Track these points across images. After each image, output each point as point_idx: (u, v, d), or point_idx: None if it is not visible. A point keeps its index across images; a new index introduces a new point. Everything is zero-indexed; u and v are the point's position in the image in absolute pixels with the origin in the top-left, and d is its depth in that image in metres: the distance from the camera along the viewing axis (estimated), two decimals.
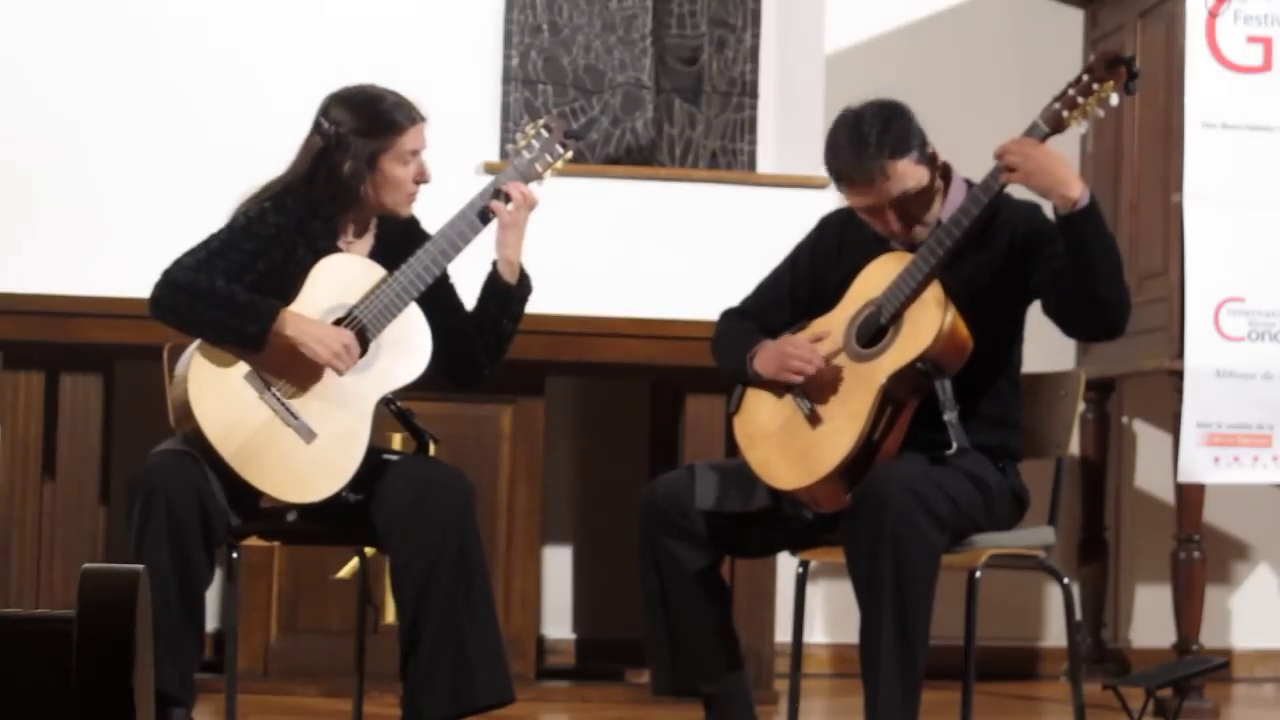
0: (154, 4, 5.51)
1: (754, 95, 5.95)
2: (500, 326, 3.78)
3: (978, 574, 3.62)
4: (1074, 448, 5.60)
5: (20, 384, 4.81)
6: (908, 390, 3.57)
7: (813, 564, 3.92)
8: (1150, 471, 5.83)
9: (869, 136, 3.56)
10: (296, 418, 3.58)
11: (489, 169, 5.28)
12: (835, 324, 3.68)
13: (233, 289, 3.56)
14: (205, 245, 3.62)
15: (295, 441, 3.57)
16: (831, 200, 5.42)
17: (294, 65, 5.47)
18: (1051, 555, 3.78)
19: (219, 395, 3.55)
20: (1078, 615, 4.43)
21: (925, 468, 3.51)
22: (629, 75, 5.86)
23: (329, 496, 3.58)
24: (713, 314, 3.94)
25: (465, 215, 3.72)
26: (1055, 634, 5.78)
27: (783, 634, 4.92)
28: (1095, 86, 3.53)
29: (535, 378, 4.97)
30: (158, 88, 5.48)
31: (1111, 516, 5.82)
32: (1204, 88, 4.95)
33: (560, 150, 3.81)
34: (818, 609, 5.65)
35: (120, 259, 5.14)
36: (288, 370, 3.59)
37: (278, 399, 3.58)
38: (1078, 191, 3.47)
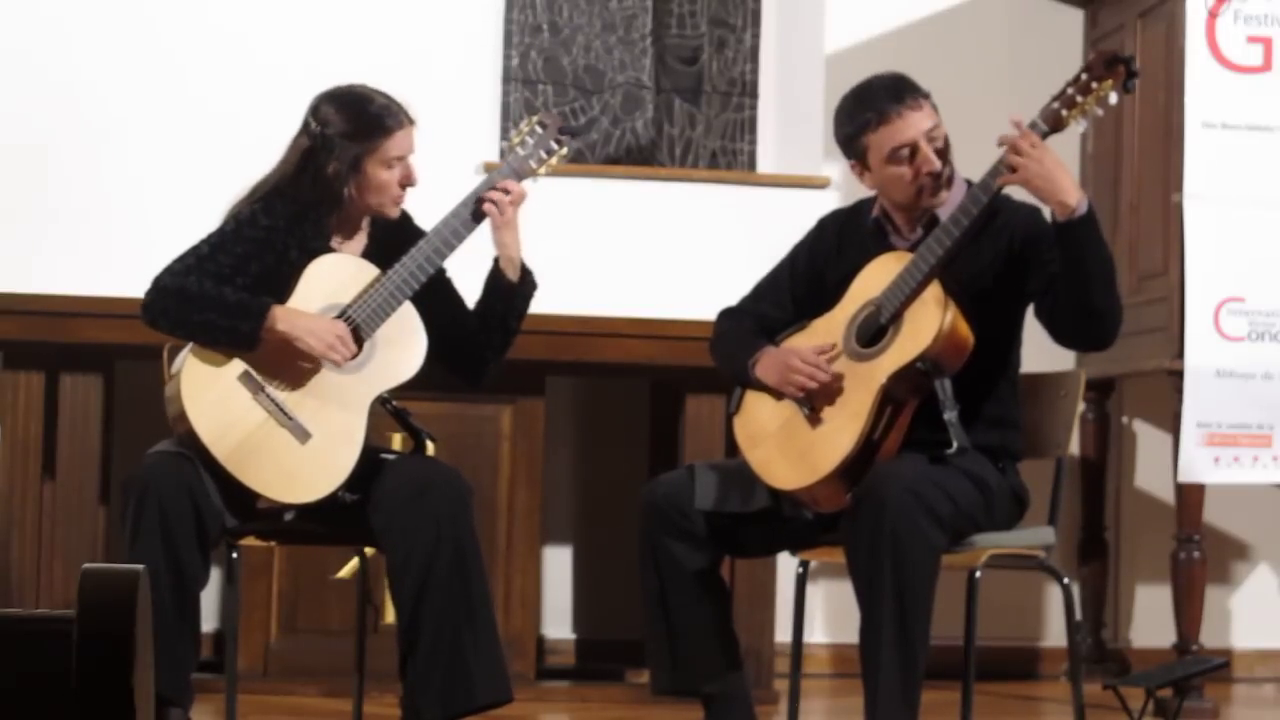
0: (159, 3, 5.51)
1: (754, 95, 5.95)
2: (506, 324, 3.78)
3: (978, 574, 3.62)
4: (1074, 448, 5.60)
5: (20, 384, 4.81)
6: (908, 390, 3.57)
7: (813, 564, 3.92)
8: (1150, 471, 5.83)
9: (900, 76, 3.65)
10: (291, 418, 3.58)
11: (488, 169, 5.27)
12: (835, 324, 3.68)
13: (222, 290, 3.55)
14: (194, 250, 3.63)
15: (290, 441, 3.57)
16: (832, 200, 5.43)
17: (295, 65, 5.46)
18: (1051, 555, 3.78)
19: (213, 396, 3.55)
20: (1078, 615, 4.43)
21: (925, 468, 3.50)
22: (629, 75, 5.86)
23: (325, 496, 3.58)
24: (712, 314, 3.94)
25: (458, 214, 3.71)
26: (1055, 634, 5.78)
27: (783, 634, 4.91)
28: (1094, 85, 3.53)
29: (535, 378, 4.97)
30: (159, 87, 5.48)
31: (1111, 516, 5.82)
32: (1204, 88, 4.95)
33: (555, 147, 3.80)
34: (818, 609, 5.65)
35: (120, 259, 5.14)
36: (282, 369, 3.59)
37: (272, 399, 3.58)
38: (1075, 199, 3.48)
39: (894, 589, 3.42)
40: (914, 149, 3.59)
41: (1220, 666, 4.23)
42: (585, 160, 5.75)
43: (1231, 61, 4.97)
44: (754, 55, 5.96)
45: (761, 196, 5.75)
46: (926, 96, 3.64)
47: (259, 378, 3.59)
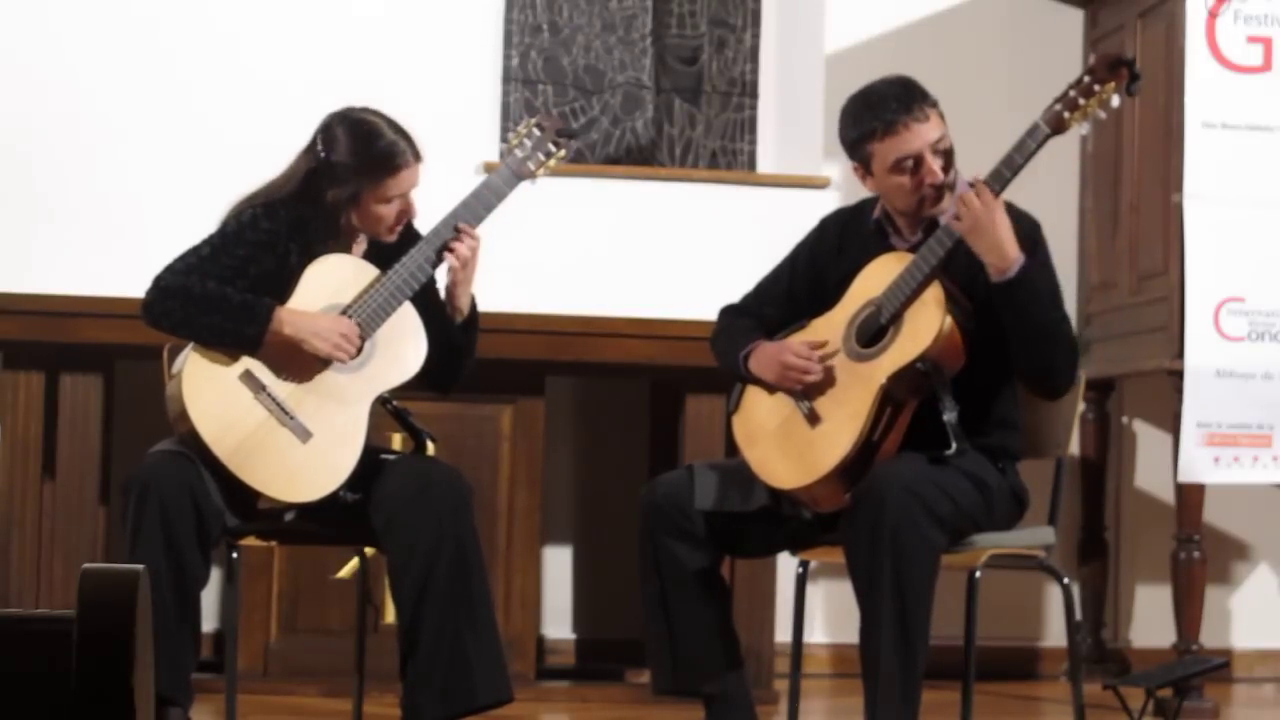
0: (156, 4, 5.51)
1: (754, 95, 5.95)
2: (464, 356, 3.77)
3: (978, 574, 3.62)
4: (1074, 448, 5.60)
5: (20, 384, 4.81)
6: (907, 390, 3.57)
7: (813, 564, 3.92)
8: (1150, 471, 5.83)
9: (909, 84, 3.62)
10: (292, 417, 3.58)
11: (488, 169, 5.27)
12: (835, 324, 3.68)
13: (225, 291, 3.56)
14: (195, 251, 3.63)
15: (291, 441, 3.57)
16: (832, 200, 5.43)
17: (295, 65, 5.47)
18: (1051, 555, 3.78)
19: (214, 395, 3.55)
20: (1078, 615, 4.44)
21: (925, 468, 3.50)
22: (629, 75, 5.86)
23: (326, 496, 3.58)
24: (712, 314, 3.94)
25: (459, 214, 3.71)
26: (1055, 634, 5.78)
27: (783, 634, 4.92)
28: (1096, 88, 3.53)
29: (535, 378, 4.97)
30: (159, 87, 5.48)
31: (1111, 516, 5.82)
32: (1204, 88, 4.95)
33: (554, 149, 3.80)
34: (818, 609, 5.65)
35: (121, 259, 5.14)
36: (284, 368, 3.59)
37: (273, 398, 3.58)
38: (1008, 261, 3.50)
39: (894, 589, 3.42)
40: (918, 160, 3.59)
41: (1220, 666, 4.23)
42: (585, 160, 5.75)
43: (1231, 61, 4.97)
44: (754, 55, 5.96)
45: (761, 196, 5.75)
46: (934, 105, 3.63)
47: (260, 377, 3.59)
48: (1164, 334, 5.03)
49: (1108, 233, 5.57)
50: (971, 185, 3.54)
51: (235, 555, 3.73)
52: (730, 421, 3.79)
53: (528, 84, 5.80)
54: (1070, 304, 3.77)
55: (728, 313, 3.90)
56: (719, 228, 5.69)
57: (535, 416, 4.97)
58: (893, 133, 3.58)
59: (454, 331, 3.73)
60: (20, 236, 5.37)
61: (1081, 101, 3.54)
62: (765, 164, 5.93)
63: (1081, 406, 3.93)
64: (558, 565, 5.59)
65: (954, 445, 3.52)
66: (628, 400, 5.56)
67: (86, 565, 1.66)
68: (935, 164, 3.59)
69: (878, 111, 3.61)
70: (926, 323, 3.55)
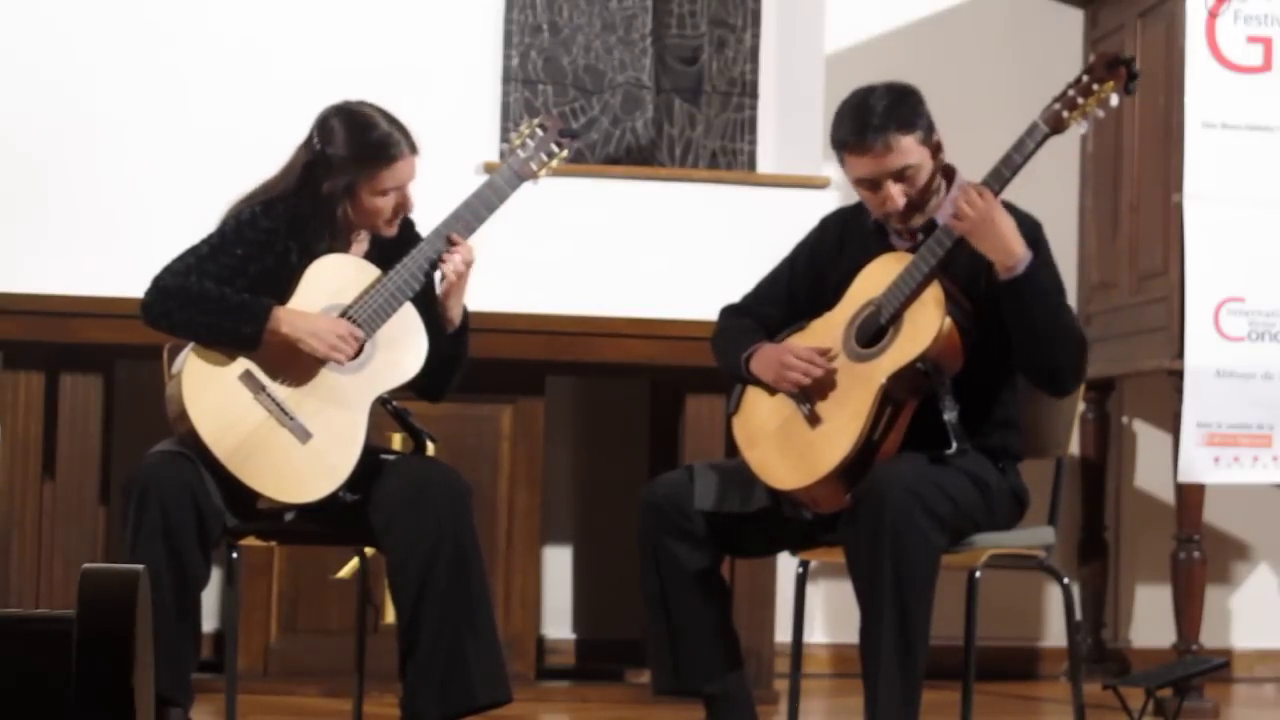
0: (157, 3, 5.51)
1: (754, 95, 5.95)
2: (455, 365, 3.77)
3: (978, 574, 3.62)
4: (1074, 448, 5.60)
5: (20, 384, 4.81)
6: (907, 390, 3.57)
7: (813, 564, 3.92)
8: (1150, 471, 5.83)
9: (876, 107, 3.58)
10: (292, 418, 3.58)
11: (489, 169, 5.28)
12: (834, 324, 3.68)
13: (224, 291, 3.56)
14: (195, 251, 3.63)
15: (291, 441, 3.57)
16: (832, 200, 5.43)
17: (296, 65, 5.47)
18: (1051, 555, 3.78)
19: (214, 396, 3.55)
20: (1078, 615, 4.44)
21: (925, 468, 3.50)
22: (629, 75, 5.86)
23: (326, 496, 3.58)
24: (712, 314, 3.94)
25: (460, 215, 3.71)
26: (1055, 634, 5.78)
27: (783, 634, 4.92)
28: (1095, 87, 3.53)
29: (535, 378, 4.97)
30: (160, 86, 5.48)
31: (1111, 516, 5.82)
32: (1204, 88, 4.95)
33: (556, 149, 3.80)
34: (818, 609, 5.65)
35: (121, 259, 5.14)
36: (283, 368, 3.59)
37: (273, 399, 3.58)
38: (1015, 258, 3.50)
39: (894, 589, 3.42)
40: (874, 183, 3.60)
41: (1220, 666, 4.23)
42: (585, 160, 5.75)
43: (1231, 61, 4.97)
44: (754, 55, 5.96)
45: (761, 196, 5.75)
46: (906, 129, 3.56)
47: (260, 377, 3.59)
48: (1164, 334, 5.03)
49: (1108, 233, 5.57)
50: (964, 189, 3.54)
51: (235, 555, 3.73)
52: (730, 423, 3.79)
53: (528, 84, 5.80)
54: (1070, 304, 3.77)
55: (728, 313, 3.90)
56: (719, 228, 5.69)
57: (535, 416, 4.97)
58: (847, 154, 3.62)
59: (444, 341, 3.72)
60: (20, 236, 5.37)
61: (1080, 101, 3.54)
62: (765, 164, 5.94)
63: (1081, 406, 3.93)
64: (558, 565, 5.59)
65: (954, 445, 3.52)
66: (628, 400, 5.56)
67: (86, 565, 1.66)
68: (894, 190, 3.58)
69: (836, 129, 3.63)
70: (926, 323, 3.55)
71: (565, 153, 3.83)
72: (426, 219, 3.76)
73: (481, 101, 5.72)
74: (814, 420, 3.63)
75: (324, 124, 3.67)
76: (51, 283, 5.08)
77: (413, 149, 3.66)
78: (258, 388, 3.58)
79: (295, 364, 3.59)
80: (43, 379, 4.81)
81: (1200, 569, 4.97)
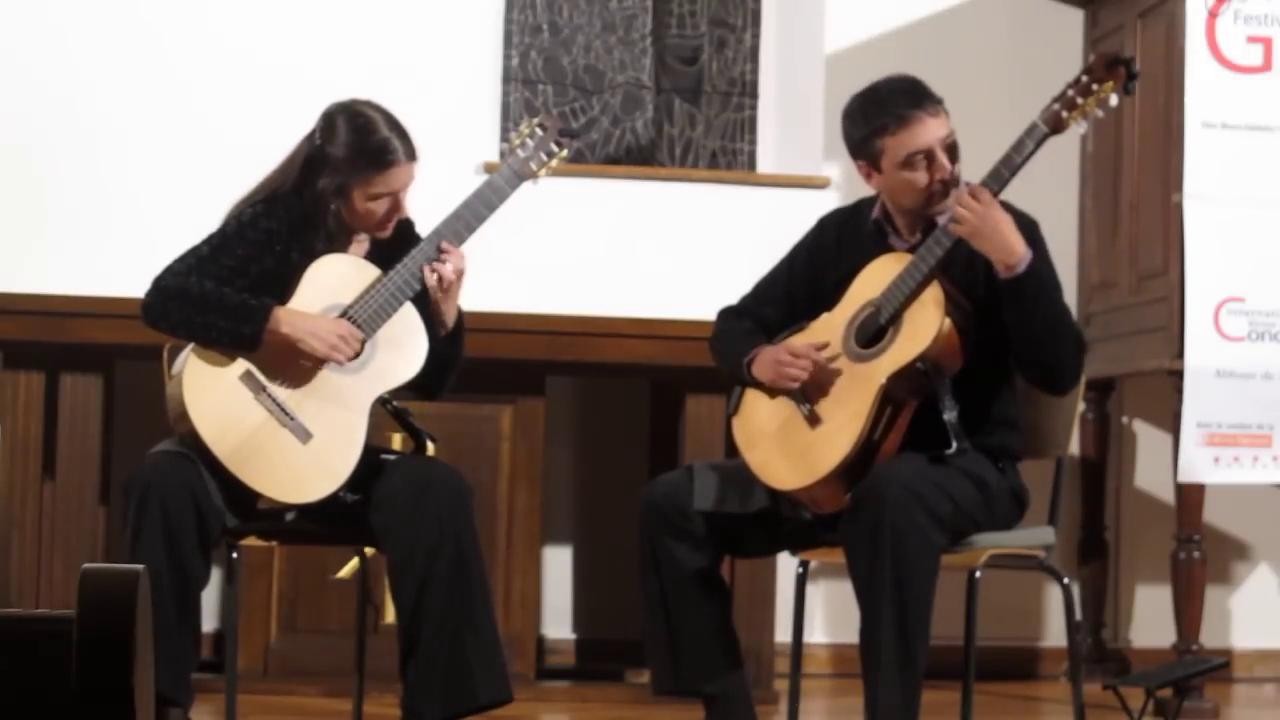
0: (157, 3, 5.51)
1: (754, 95, 5.95)
2: (450, 366, 3.76)
3: (978, 574, 3.62)
4: (1074, 448, 5.60)
5: (20, 384, 4.81)
6: (907, 390, 3.57)
7: (813, 564, 3.92)
8: (1150, 471, 5.83)
9: (917, 81, 3.63)
10: (293, 418, 3.58)
11: (489, 169, 5.28)
12: (834, 325, 3.68)
13: (223, 291, 3.56)
14: (195, 251, 3.63)
15: (291, 442, 3.57)
16: (832, 200, 5.43)
17: (296, 65, 5.47)
18: (1051, 555, 3.78)
19: (215, 396, 3.55)
20: (1078, 615, 4.43)
21: (925, 468, 3.51)
22: (629, 75, 5.86)
23: (326, 497, 3.58)
24: (712, 314, 3.94)
25: (460, 215, 3.70)
26: (1055, 634, 5.78)
27: (783, 634, 4.91)
28: (1095, 87, 3.53)
29: (535, 378, 4.97)
30: (160, 86, 5.48)
31: (1111, 516, 5.82)
32: (1204, 88, 4.95)
33: (555, 149, 3.80)
34: (818, 609, 5.65)
35: (121, 259, 5.14)
36: (284, 369, 3.59)
37: (273, 399, 3.58)
38: (1016, 258, 3.50)
39: (894, 589, 3.42)
40: (930, 155, 3.60)
41: (1220, 666, 4.23)
42: (585, 160, 5.75)
43: (1231, 61, 4.97)
44: (754, 55, 5.96)
45: (761, 196, 5.75)
46: (940, 103, 3.64)
47: (261, 378, 3.59)
48: (1164, 334, 5.03)
49: (1108, 233, 5.57)
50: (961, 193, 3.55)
51: (235, 555, 3.73)
52: (730, 424, 3.79)
53: (528, 84, 5.80)
54: (1070, 304, 3.77)
55: (726, 315, 3.90)
56: (719, 228, 5.69)
57: (535, 416, 4.97)
58: (905, 127, 3.59)
59: (439, 342, 3.72)
60: (20, 236, 5.37)
61: (1080, 101, 3.54)
62: (765, 164, 5.94)
63: (1081, 406, 3.93)
64: (558, 565, 5.59)
65: (954, 445, 3.52)
66: (628, 400, 5.56)
67: (86, 565, 1.66)
68: (945, 158, 3.60)
69: (888, 106, 3.62)
70: (926, 323, 3.55)
71: (565, 153, 3.83)
72: (426, 219, 3.76)
73: (481, 101, 5.72)
74: (814, 421, 3.63)
75: (328, 120, 3.67)
76: (51, 283, 5.08)
77: (410, 156, 3.65)
78: (258, 388, 3.58)
79: (295, 364, 3.59)
80: (43, 379, 4.81)
81: (1200, 569, 4.97)
